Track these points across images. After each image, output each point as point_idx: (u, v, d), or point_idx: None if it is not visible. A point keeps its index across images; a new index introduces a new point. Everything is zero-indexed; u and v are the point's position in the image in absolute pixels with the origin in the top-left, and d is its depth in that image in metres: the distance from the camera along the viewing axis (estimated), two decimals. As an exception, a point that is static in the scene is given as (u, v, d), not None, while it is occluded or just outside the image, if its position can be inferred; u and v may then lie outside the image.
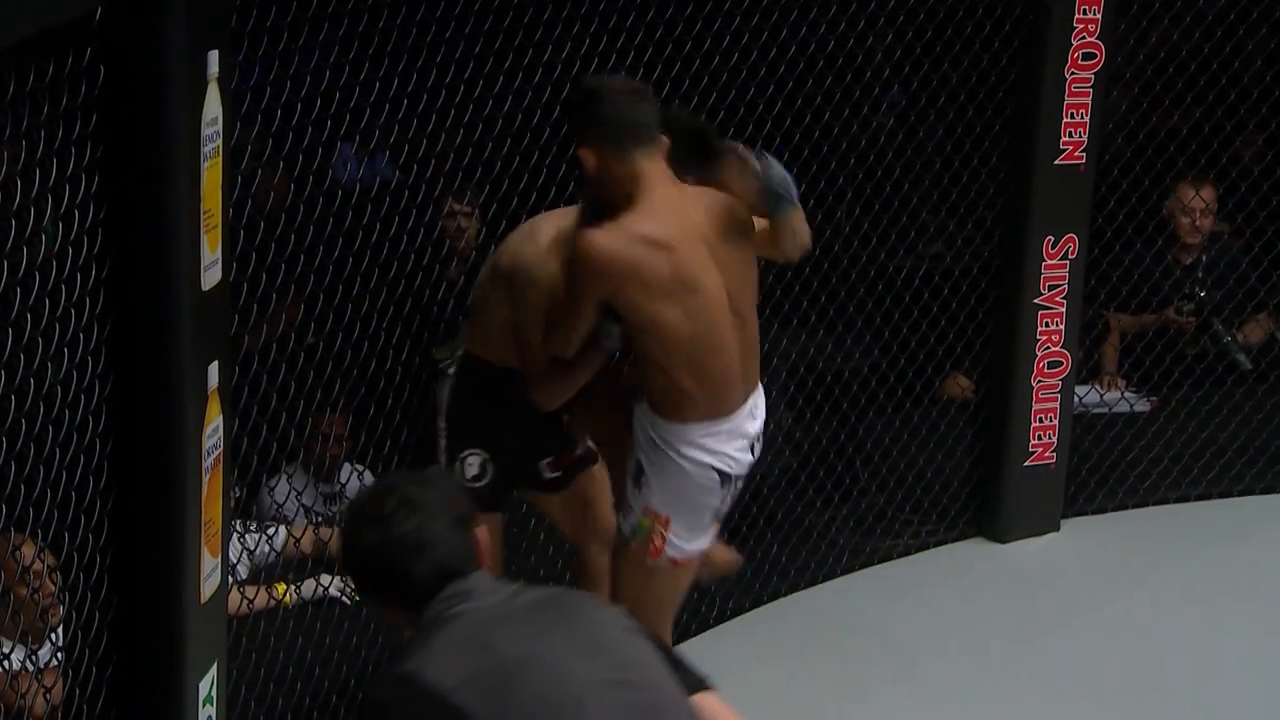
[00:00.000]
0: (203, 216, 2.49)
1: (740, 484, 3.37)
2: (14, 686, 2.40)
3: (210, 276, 2.54)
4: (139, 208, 2.45)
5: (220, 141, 2.56)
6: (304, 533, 3.84)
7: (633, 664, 2.13)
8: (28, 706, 2.39)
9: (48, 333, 2.25)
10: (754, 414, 3.33)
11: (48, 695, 2.50)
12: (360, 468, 4.37)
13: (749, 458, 3.35)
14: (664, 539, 3.28)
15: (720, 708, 2.27)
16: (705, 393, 3.21)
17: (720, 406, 3.24)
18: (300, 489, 3.94)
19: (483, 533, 2.18)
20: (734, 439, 3.28)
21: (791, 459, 4.92)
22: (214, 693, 2.66)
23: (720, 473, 3.29)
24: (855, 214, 4.84)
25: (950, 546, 4.89)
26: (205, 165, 2.50)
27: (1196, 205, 5.30)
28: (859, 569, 4.75)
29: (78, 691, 2.49)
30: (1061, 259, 4.76)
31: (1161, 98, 5.28)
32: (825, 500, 4.85)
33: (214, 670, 2.66)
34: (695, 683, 2.26)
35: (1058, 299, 4.78)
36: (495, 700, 1.99)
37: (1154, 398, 5.36)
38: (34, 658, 2.70)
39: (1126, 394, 5.36)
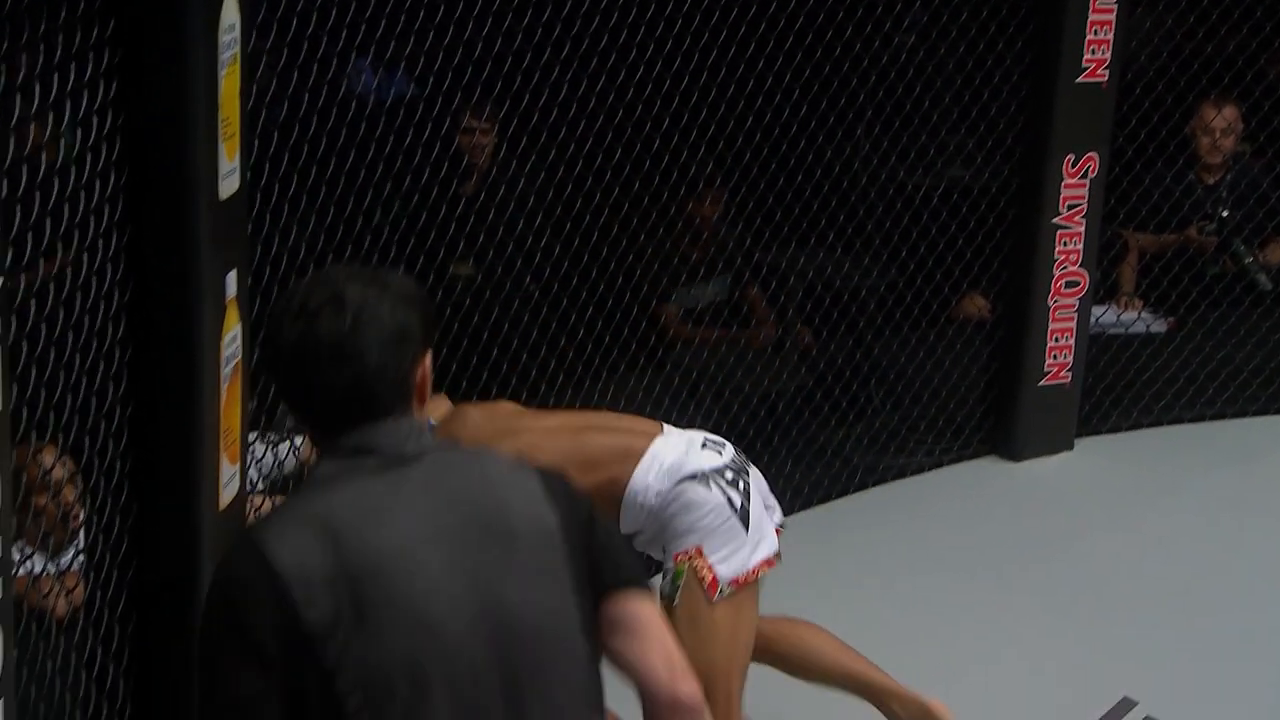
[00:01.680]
0: (220, 124, 2.50)
1: (731, 474, 3.14)
2: (37, 588, 2.43)
3: (228, 185, 2.55)
4: (157, 115, 2.45)
5: (238, 49, 2.56)
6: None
7: (522, 585, 1.84)
8: (50, 608, 2.43)
9: (66, 238, 2.26)
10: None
11: (69, 597, 2.53)
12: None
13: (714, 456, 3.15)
14: (710, 567, 3.05)
15: (638, 608, 1.94)
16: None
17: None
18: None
19: (425, 368, 1.85)
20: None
21: (807, 377, 4.94)
22: (233, 598, 2.68)
23: (695, 475, 3.09)
24: (875, 132, 4.83)
25: (964, 465, 4.91)
26: (223, 73, 2.50)
27: (1218, 125, 5.28)
28: (872, 486, 4.78)
29: (99, 594, 2.53)
30: (1081, 178, 4.74)
31: (1187, 15, 5.24)
32: (840, 418, 4.87)
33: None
34: (617, 579, 1.94)
35: (1077, 218, 4.77)
36: (339, 611, 1.73)
37: (1171, 318, 5.35)
38: (56, 562, 2.74)
39: (1143, 314, 5.36)
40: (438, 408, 3.25)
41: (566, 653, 1.88)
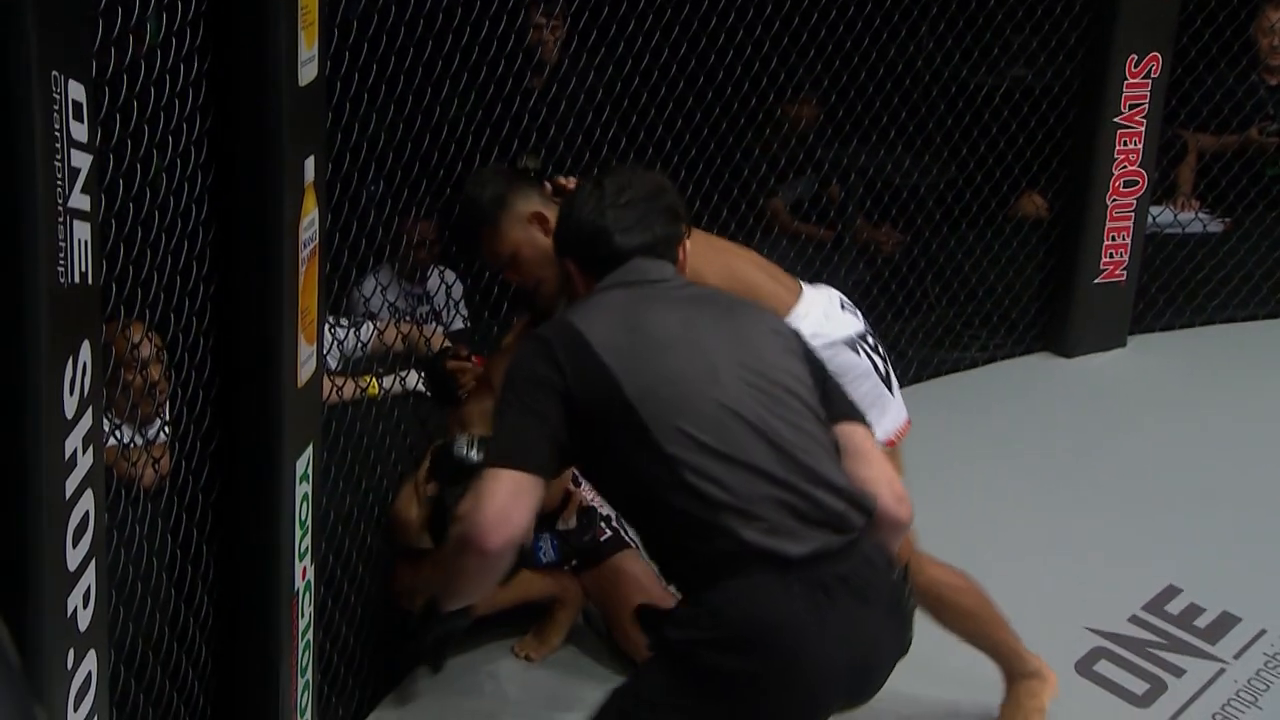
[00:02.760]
0: (300, 12, 2.49)
1: (872, 339, 3.12)
2: (125, 458, 2.48)
3: (307, 72, 2.54)
4: (239, 5, 2.45)
5: (316, -61, 2.55)
6: (387, 328, 3.90)
7: (774, 366, 2.29)
8: (138, 476, 2.47)
9: (152, 121, 2.27)
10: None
11: (156, 466, 2.57)
12: (445, 269, 4.42)
13: (855, 320, 3.11)
14: None
15: (864, 439, 2.33)
16: None
17: None
18: (386, 285, 3.99)
19: (683, 249, 2.46)
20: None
21: (865, 271, 4.92)
22: (309, 471, 2.73)
23: (845, 340, 3.03)
24: (939, 30, 4.76)
25: (1017, 360, 4.91)
26: (302, -39, 2.49)
27: (1281, 27, 5.20)
28: (928, 380, 4.78)
29: (183, 464, 2.57)
30: (1144, 78, 4.67)
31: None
32: (896, 313, 4.86)
33: (309, 451, 2.72)
34: (842, 412, 2.34)
35: (1138, 118, 4.70)
36: (637, 366, 2.22)
37: (1228, 218, 5.29)
38: (143, 433, 2.79)
39: (1200, 214, 5.30)
40: None
41: (808, 409, 2.29)
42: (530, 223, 3.08)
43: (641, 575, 3.44)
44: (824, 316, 3.06)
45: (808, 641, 2.14)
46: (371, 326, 4.00)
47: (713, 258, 2.96)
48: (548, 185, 3.15)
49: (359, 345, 3.90)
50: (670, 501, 2.18)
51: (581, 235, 2.43)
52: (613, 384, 2.21)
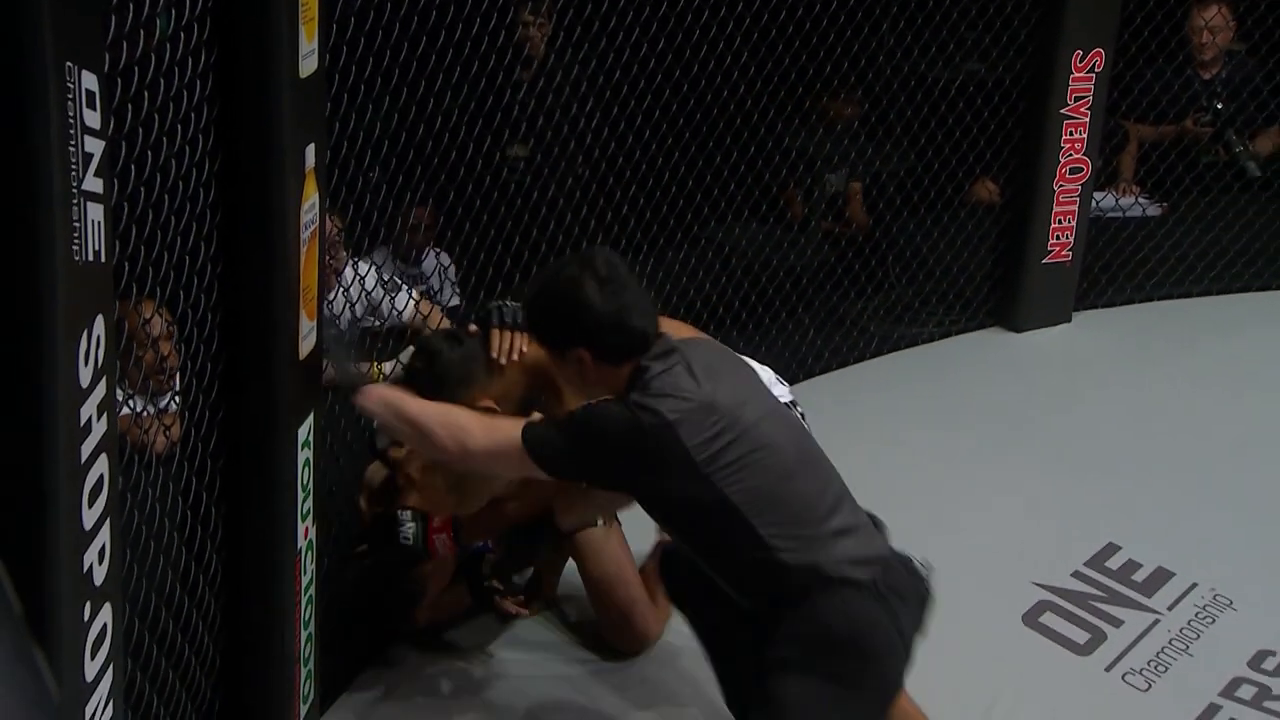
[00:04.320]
0: (300, 8, 2.47)
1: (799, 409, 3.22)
2: (138, 425, 2.47)
3: (307, 65, 2.53)
4: (244, 2, 2.43)
5: (315, -62, 2.53)
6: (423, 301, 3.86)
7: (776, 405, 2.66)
8: (150, 443, 2.46)
9: (163, 110, 2.25)
10: None
11: (168, 433, 2.56)
12: (439, 250, 4.40)
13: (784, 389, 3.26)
14: None
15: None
16: None
17: None
18: (380, 265, 3.96)
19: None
20: None
21: (829, 253, 4.92)
22: (310, 439, 2.72)
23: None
24: (899, 28, 4.75)
25: (970, 335, 4.91)
26: (302, -40, 2.47)
27: (1216, 23, 5.19)
28: (887, 353, 4.78)
29: (193, 432, 2.56)
30: (1088, 72, 4.67)
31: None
32: (858, 291, 4.86)
33: (310, 419, 2.72)
34: None
35: (1082, 109, 4.70)
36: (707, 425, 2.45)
37: (1165, 203, 5.30)
38: (155, 403, 2.77)
39: (1140, 199, 5.30)
40: None
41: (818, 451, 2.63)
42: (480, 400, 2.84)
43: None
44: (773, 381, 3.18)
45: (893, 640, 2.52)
46: (409, 296, 3.94)
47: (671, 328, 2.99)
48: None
49: (394, 313, 3.83)
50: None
51: (603, 325, 2.48)
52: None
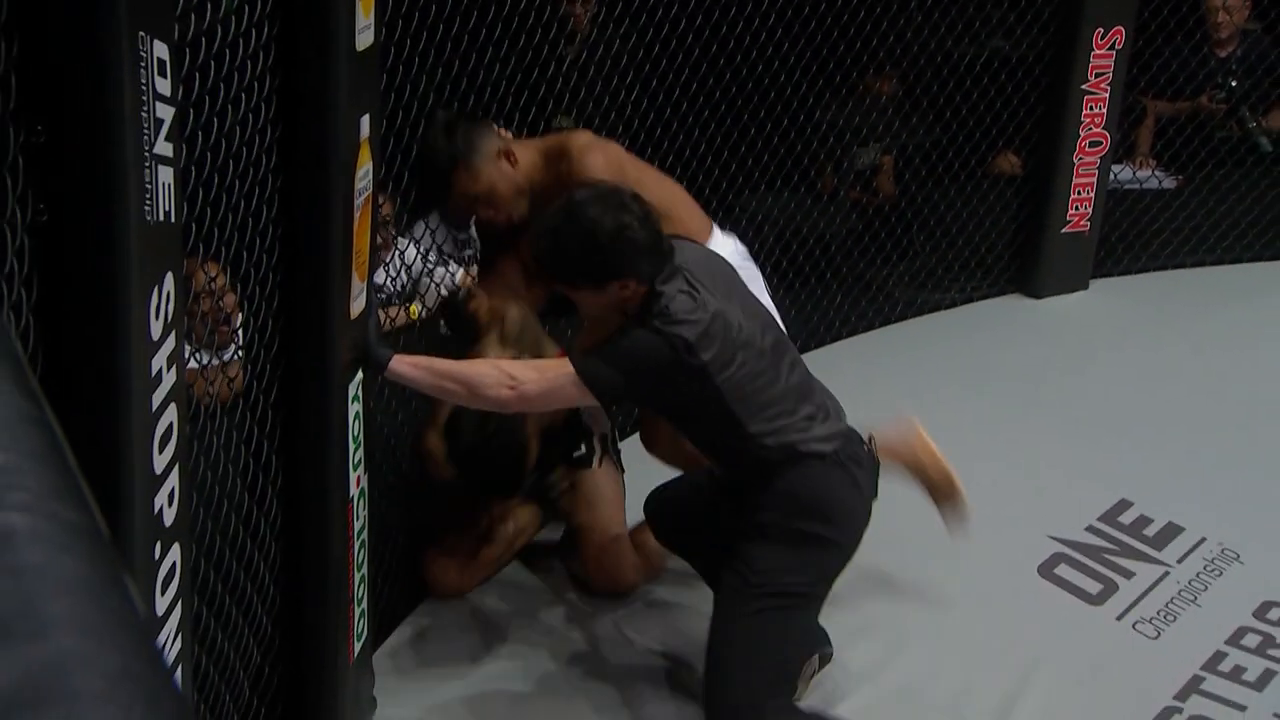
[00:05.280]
0: (357, -16, 2.48)
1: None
2: (204, 377, 2.49)
3: (364, 38, 2.53)
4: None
5: (372, -82, 2.53)
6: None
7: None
8: (215, 393, 2.49)
9: (228, 78, 2.27)
10: None
11: (231, 384, 2.59)
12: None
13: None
14: None
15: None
16: None
17: None
18: (434, 229, 3.99)
19: None
20: None
21: (857, 221, 4.91)
22: (359, 392, 2.74)
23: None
24: (926, 5, 4.72)
25: (992, 300, 4.89)
26: (359, -63, 2.47)
27: (1233, 2, 5.14)
28: (912, 318, 4.77)
29: (255, 384, 2.58)
30: (1109, 49, 4.62)
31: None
32: (885, 258, 4.85)
33: (359, 373, 2.74)
34: None
35: (1102, 85, 4.66)
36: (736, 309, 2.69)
37: (1181, 176, 5.25)
38: (219, 356, 2.80)
39: (1157, 172, 5.26)
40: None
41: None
42: (499, 158, 3.04)
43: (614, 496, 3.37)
44: (735, 242, 3.26)
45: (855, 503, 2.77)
46: (455, 267, 3.97)
47: (660, 185, 3.12)
48: (497, 126, 3.12)
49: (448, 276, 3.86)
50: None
51: (645, 251, 2.61)
52: None
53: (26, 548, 0.68)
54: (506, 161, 3.03)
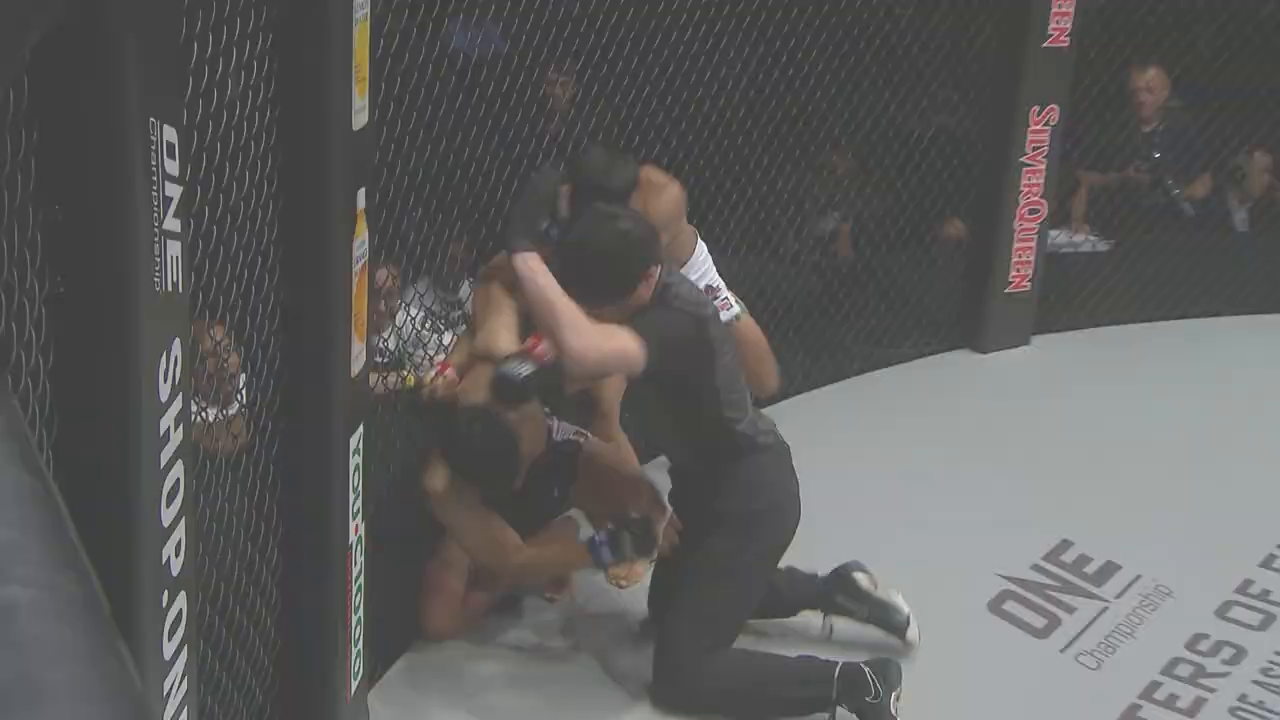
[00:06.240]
0: (354, 69, 2.49)
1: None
2: (209, 433, 2.47)
3: (359, 119, 2.54)
4: (302, 62, 2.44)
5: (368, 10, 2.54)
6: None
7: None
8: (220, 447, 2.47)
9: (234, 159, 2.27)
10: None
11: (235, 438, 2.57)
12: (474, 279, 4.40)
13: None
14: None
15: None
16: None
17: None
18: (423, 293, 3.98)
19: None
20: None
21: (816, 283, 4.92)
22: (360, 445, 2.73)
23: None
24: (879, 85, 4.76)
25: (941, 355, 4.89)
26: (356, 26, 2.48)
27: (1145, 84, 5.22)
28: (868, 372, 4.78)
29: (258, 439, 2.57)
30: (1044, 125, 4.67)
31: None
32: (842, 317, 4.86)
33: (361, 428, 2.73)
34: None
35: (1039, 158, 4.70)
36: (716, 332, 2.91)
37: (1112, 240, 5.30)
38: (224, 412, 2.78)
39: (1090, 236, 5.30)
40: None
41: None
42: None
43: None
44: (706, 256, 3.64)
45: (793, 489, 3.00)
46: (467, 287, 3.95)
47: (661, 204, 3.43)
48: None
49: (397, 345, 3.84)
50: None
51: (645, 237, 2.81)
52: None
53: (29, 620, 0.67)
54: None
